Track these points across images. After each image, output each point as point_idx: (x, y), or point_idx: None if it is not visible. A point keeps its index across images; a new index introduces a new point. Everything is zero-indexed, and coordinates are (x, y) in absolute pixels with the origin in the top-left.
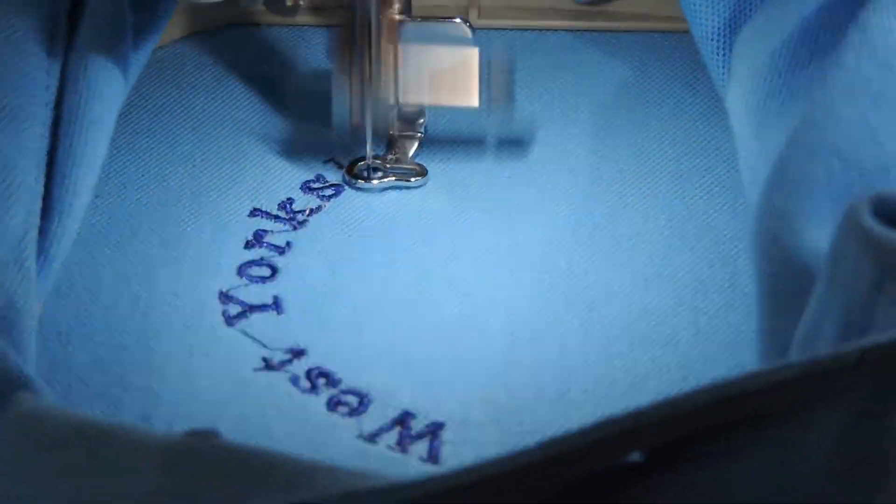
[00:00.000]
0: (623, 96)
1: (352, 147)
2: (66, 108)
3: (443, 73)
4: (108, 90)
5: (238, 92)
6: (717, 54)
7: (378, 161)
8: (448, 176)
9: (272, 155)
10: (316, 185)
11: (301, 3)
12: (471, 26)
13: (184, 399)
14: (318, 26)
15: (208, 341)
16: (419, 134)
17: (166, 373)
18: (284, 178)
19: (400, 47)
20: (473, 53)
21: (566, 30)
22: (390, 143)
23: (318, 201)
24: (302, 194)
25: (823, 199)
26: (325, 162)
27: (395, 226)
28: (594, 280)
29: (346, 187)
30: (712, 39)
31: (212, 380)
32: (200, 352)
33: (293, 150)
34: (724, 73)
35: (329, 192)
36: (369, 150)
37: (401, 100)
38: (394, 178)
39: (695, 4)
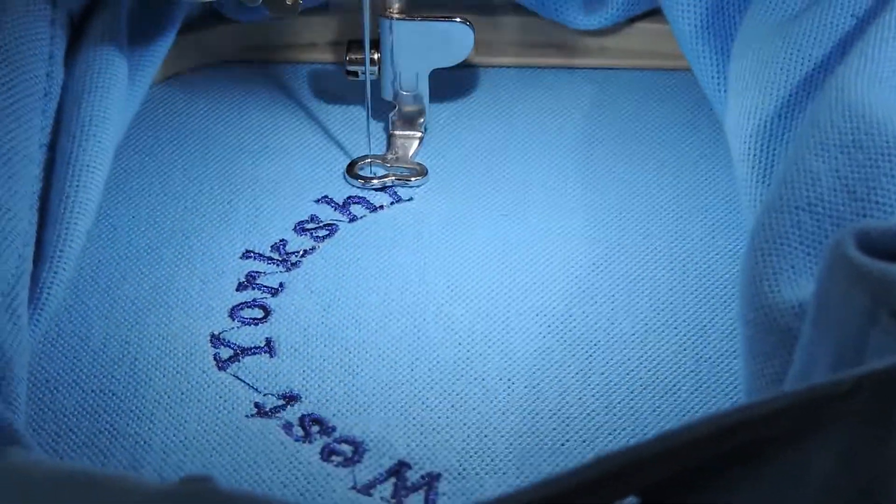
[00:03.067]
0: (621, 134)
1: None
2: (60, 150)
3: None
4: (102, 132)
5: (229, 132)
6: (705, 58)
7: (378, 160)
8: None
9: (265, 195)
10: (310, 226)
11: (301, 1)
12: (470, 25)
13: (173, 447)
14: (310, 63)
15: (199, 386)
16: (419, 133)
17: (156, 419)
18: (277, 219)
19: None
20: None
21: (564, 67)
22: (390, 143)
23: (312, 242)
24: (295, 235)
25: (796, 255)
26: (318, 201)
27: (389, 261)
28: (593, 324)
29: (340, 225)
30: (694, 38)
31: (202, 426)
32: (191, 397)
33: (286, 190)
34: (718, 82)
35: (323, 232)
36: (369, 149)
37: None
38: (394, 178)
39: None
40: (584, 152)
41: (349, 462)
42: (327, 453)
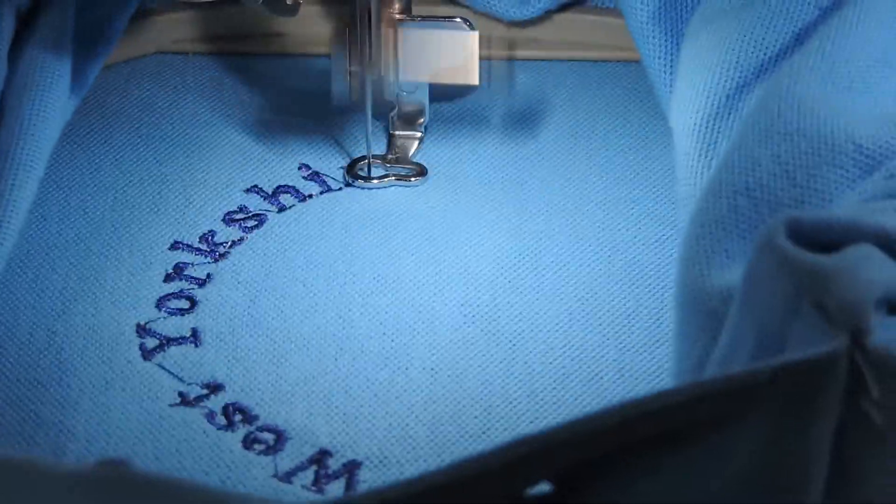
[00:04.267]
0: (551, 126)
1: (350, 115)
2: (0, 146)
3: (444, 54)
4: (41, 131)
5: (162, 122)
6: (655, 40)
7: (378, 160)
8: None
9: (195, 186)
10: (238, 217)
11: (301, 1)
12: (471, 26)
13: (97, 435)
14: (245, 55)
15: (124, 376)
16: (419, 133)
17: (80, 408)
18: (206, 210)
19: (400, 30)
20: (474, 36)
21: (497, 59)
22: (390, 143)
23: (241, 233)
24: (224, 226)
25: (731, 239)
26: (247, 191)
27: (317, 252)
28: (518, 313)
29: (269, 216)
30: (646, 20)
31: (126, 415)
32: (116, 386)
33: (216, 180)
34: (664, 64)
35: (252, 223)
36: (369, 149)
37: (401, 77)
38: (394, 178)
39: None
40: (514, 143)
41: (271, 450)
42: (249, 441)
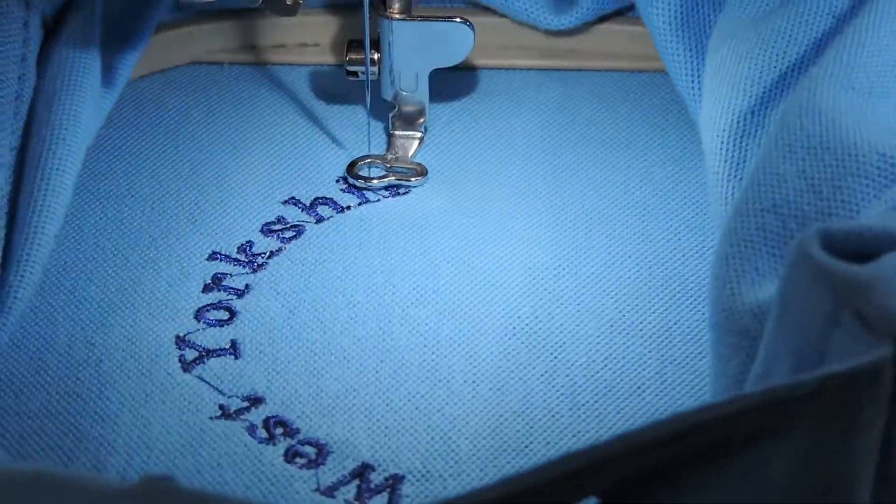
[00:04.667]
0: (589, 136)
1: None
2: (30, 153)
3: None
4: (72, 136)
5: (198, 132)
6: (679, 55)
7: (378, 160)
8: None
9: (232, 197)
10: (276, 227)
11: (301, 1)
12: (470, 26)
13: (138, 449)
14: (280, 64)
15: (164, 388)
16: (419, 133)
17: (120, 421)
18: (244, 221)
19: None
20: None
21: (533, 68)
22: (390, 143)
23: (279, 243)
24: (262, 237)
25: (760, 257)
26: (285, 202)
27: (356, 263)
28: (559, 325)
29: (307, 226)
30: (668, 35)
31: (166, 428)
32: (156, 399)
33: (253, 191)
34: (692, 79)
35: (290, 233)
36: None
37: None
38: (394, 178)
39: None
40: (552, 154)
41: (313, 464)
42: (291, 455)
